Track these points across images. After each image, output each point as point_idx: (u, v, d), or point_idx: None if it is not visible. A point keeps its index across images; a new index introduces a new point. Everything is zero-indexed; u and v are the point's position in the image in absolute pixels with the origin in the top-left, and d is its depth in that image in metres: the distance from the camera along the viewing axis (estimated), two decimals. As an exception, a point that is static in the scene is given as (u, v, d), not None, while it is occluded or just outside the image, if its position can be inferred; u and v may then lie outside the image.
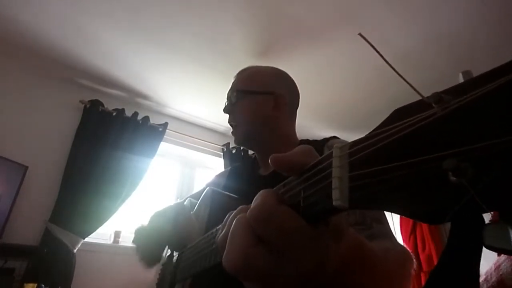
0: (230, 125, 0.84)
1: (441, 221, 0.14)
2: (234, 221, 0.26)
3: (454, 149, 0.13)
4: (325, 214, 0.21)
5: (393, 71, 0.20)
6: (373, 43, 0.19)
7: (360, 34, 0.19)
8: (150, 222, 0.79)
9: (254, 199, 0.26)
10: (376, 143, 0.17)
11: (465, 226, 0.14)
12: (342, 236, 0.25)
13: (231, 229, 0.26)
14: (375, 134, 0.18)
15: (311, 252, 0.22)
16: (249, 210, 0.25)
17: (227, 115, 0.86)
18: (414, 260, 0.46)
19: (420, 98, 0.16)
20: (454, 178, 0.13)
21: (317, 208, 0.21)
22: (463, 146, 0.13)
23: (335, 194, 0.19)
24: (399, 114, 0.17)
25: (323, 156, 0.23)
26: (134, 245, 0.75)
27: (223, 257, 0.26)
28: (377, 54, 0.21)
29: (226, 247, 0.26)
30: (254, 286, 0.25)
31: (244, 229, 0.25)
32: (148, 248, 0.74)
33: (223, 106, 0.86)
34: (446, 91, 0.15)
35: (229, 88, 0.87)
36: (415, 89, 0.16)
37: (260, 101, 0.79)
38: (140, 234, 0.76)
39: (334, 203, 0.19)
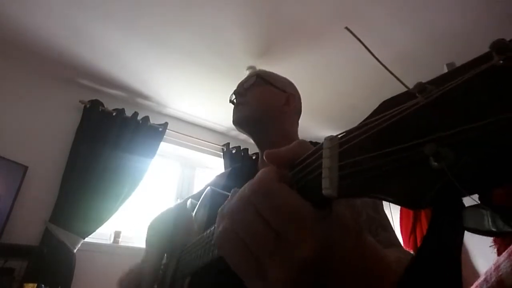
0: (238, 103, 0.84)
1: (423, 206, 0.15)
2: (235, 196, 0.26)
3: (435, 135, 0.14)
4: (317, 204, 0.22)
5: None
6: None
7: (346, 28, 0.19)
8: (146, 241, 0.77)
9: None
10: (364, 133, 0.18)
11: (443, 209, 0.14)
12: (347, 230, 0.24)
13: (231, 202, 0.26)
14: (364, 125, 0.18)
15: (312, 236, 0.21)
16: (248, 184, 0.25)
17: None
18: None
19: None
20: (435, 163, 0.14)
21: (308, 198, 0.22)
22: (444, 132, 0.13)
23: (324, 183, 0.20)
24: (386, 105, 0.18)
25: (314, 148, 0.23)
26: None
27: (225, 208, 0.25)
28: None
29: (227, 216, 0.25)
30: (254, 271, 0.24)
31: (245, 203, 0.24)
32: None
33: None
34: (429, 82, 0.16)
35: (243, 80, 0.89)
36: (398, 79, 0.17)
37: (275, 94, 0.84)
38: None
39: (323, 192, 0.20)
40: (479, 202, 0.13)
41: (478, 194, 0.13)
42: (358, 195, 0.19)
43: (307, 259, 0.21)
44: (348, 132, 0.20)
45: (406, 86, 0.16)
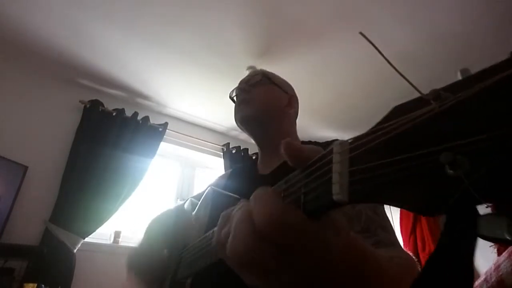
0: (242, 99, 0.83)
1: (437, 213, 0.15)
2: (239, 225, 0.26)
3: (451, 143, 0.14)
4: (325, 208, 0.22)
5: (392, 70, 0.20)
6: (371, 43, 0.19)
7: (361, 33, 0.19)
8: (146, 233, 0.77)
9: (255, 200, 0.25)
10: (376, 138, 0.18)
11: (459, 217, 0.14)
12: (340, 231, 0.25)
13: (233, 227, 0.26)
14: (376, 130, 0.18)
15: (314, 249, 0.23)
16: (255, 217, 0.24)
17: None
18: (419, 267, 0.45)
19: (419, 95, 0.17)
20: (451, 171, 0.14)
21: (317, 203, 0.22)
22: (460, 140, 0.13)
23: (335, 188, 0.19)
24: (398, 111, 0.18)
25: (324, 152, 0.23)
26: (131, 270, 0.68)
27: (228, 245, 0.25)
28: (376, 54, 0.22)
29: (231, 238, 0.26)
30: (257, 282, 0.25)
31: (252, 235, 0.24)
32: (147, 270, 0.69)
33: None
34: (444, 88, 0.15)
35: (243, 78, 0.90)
36: (414, 87, 0.16)
37: (279, 94, 0.85)
38: (133, 259, 0.70)
39: (334, 197, 0.19)
40: (496, 210, 0.13)
41: (495, 202, 0.13)
42: (369, 201, 0.19)
43: (312, 271, 0.23)
44: (359, 138, 0.20)
45: (420, 92, 0.16)
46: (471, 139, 0.13)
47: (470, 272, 0.14)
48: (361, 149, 0.19)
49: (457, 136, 0.14)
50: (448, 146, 0.14)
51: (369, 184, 0.18)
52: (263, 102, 0.81)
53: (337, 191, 0.19)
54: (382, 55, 0.19)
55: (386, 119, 0.18)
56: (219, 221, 0.32)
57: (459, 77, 0.15)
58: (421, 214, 0.16)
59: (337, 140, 0.78)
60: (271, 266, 0.23)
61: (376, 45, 0.20)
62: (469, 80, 0.14)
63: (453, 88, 0.15)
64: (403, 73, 0.19)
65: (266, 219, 0.23)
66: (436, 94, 0.15)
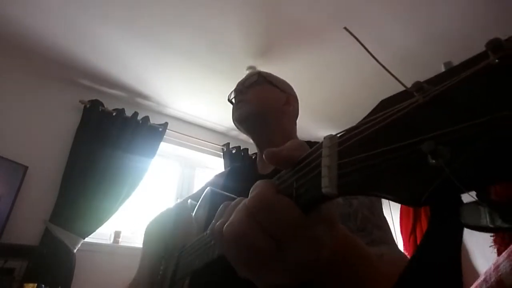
0: (239, 100, 0.83)
1: (422, 203, 0.15)
2: (235, 211, 0.26)
3: (432, 133, 0.14)
4: (316, 202, 0.22)
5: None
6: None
7: (345, 28, 0.19)
8: (145, 237, 0.79)
9: (251, 190, 0.26)
10: (362, 131, 0.18)
11: (442, 206, 0.14)
12: (334, 225, 0.25)
13: (231, 218, 0.26)
14: (363, 124, 0.19)
15: (308, 241, 0.23)
16: (248, 200, 0.25)
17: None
18: None
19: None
20: (433, 161, 0.14)
21: (308, 197, 0.22)
22: (441, 130, 0.14)
23: (324, 182, 0.20)
24: (385, 104, 0.18)
25: (314, 147, 0.23)
26: None
27: (225, 229, 0.25)
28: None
29: (228, 222, 0.26)
30: (252, 275, 0.25)
31: (246, 217, 0.25)
32: None
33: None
34: (427, 81, 0.16)
35: (244, 78, 0.90)
36: (397, 79, 0.17)
37: (275, 93, 0.85)
38: None
39: (323, 190, 0.20)
40: (477, 198, 0.13)
41: (476, 190, 0.13)
42: (357, 193, 0.19)
43: (305, 263, 0.23)
44: (347, 131, 0.20)
45: (403, 85, 0.17)
46: (451, 128, 0.13)
47: (457, 260, 0.14)
48: (349, 142, 0.19)
49: (439, 126, 0.14)
50: (430, 136, 0.14)
51: (357, 176, 0.18)
52: (259, 101, 0.81)
53: (326, 184, 0.20)
54: (366, 48, 0.19)
55: (373, 112, 0.19)
56: (217, 213, 0.33)
57: (443, 70, 0.15)
58: (408, 205, 0.17)
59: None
60: (266, 250, 0.23)
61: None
62: (451, 71, 0.14)
63: (435, 80, 0.15)
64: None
65: (257, 200, 0.24)
66: (419, 86, 0.15)
